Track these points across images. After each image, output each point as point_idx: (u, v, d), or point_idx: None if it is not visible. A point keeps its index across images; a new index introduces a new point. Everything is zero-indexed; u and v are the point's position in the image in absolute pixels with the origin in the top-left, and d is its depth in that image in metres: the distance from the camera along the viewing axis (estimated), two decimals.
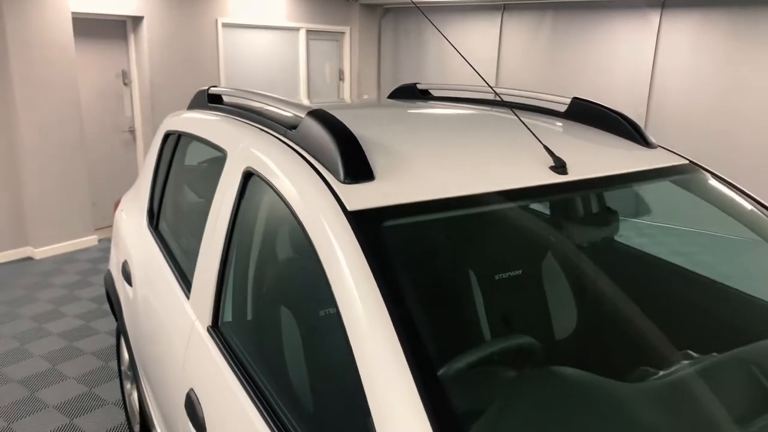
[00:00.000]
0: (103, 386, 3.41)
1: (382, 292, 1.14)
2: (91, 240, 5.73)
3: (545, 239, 1.81)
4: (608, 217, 1.97)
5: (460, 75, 7.88)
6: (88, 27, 5.73)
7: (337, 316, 1.16)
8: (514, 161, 1.60)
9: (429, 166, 1.51)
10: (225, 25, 6.73)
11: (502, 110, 2.21)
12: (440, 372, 1.32)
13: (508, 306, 1.70)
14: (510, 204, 1.46)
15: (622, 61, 6.75)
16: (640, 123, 6.73)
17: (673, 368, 1.38)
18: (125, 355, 2.82)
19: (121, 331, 2.83)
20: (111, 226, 5.83)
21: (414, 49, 8.28)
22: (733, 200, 1.84)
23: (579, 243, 1.79)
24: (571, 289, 1.87)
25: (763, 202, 1.86)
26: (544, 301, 1.86)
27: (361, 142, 1.48)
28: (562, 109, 2.19)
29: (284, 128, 1.66)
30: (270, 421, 1.29)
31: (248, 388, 1.41)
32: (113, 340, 3.93)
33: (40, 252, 5.40)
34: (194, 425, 1.58)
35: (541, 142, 1.64)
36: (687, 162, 1.92)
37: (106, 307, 4.43)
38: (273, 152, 1.58)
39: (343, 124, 1.48)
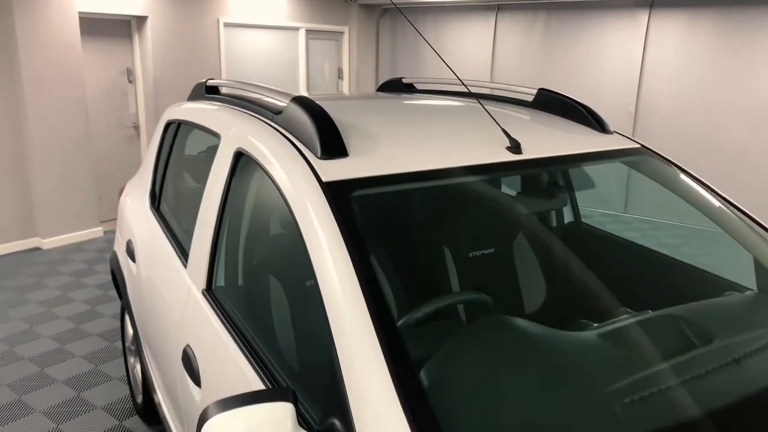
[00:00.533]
0: (108, 364, 3.61)
1: (349, 251, 1.33)
2: (97, 231, 5.95)
3: (500, 208, 2.00)
4: (557, 191, 2.16)
5: (448, 70, 8.06)
6: (94, 26, 5.94)
7: (311, 270, 1.36)
8: (475, 142, 1.79)
9: (397, 145, 1.70)
10: (226, 24, 6.94)
11: (475, 101, 2.41)
12: (400, 322, 1.51)
13: (464, 262, 1.89)
14: (466, 178, 1.65)
15: (612, 59, 6.93)
16: (630, 120, 6.92)
17: (609, 321, 1.58)
18: (129, 331, 3.02)
19: (125, 309, 3.04)
20: (116, 219, 6.04)
21: (411, 48, 8.48)
22: (680, 180, 2.04)
23: (529, 212, 1.98)
24: (515, 244, 2.06)
25: (705, 182, 2.05)
26: (494, 256, 2.06)
27: (339, 126, 1.68)
28: (530, 99, 2.39)
29: (271, 113, 1.86)
30: (257, 369, 1.49)
31: (237, 341, 1.60)
32: (118, 323, 4.13)
33: (48, 242, 5.62)
34: (190, 376, 1.78)
35: (500, 126, 1.84)
36: (639, 146, 2.11)
37: (111, 293, 4.64)
38: (260, 134, 1.78)
39: (322, 108, 1.68)
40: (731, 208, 1.96)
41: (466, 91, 2.72)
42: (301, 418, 1.23)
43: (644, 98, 6.85)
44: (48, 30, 5.29)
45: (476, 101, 2.37)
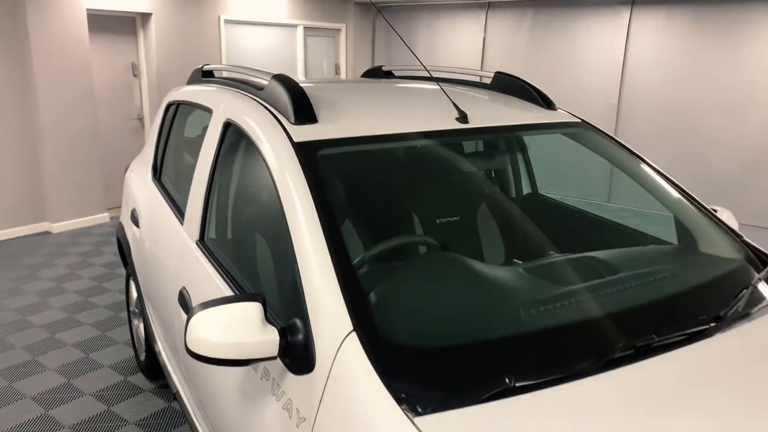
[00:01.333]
0: (114, 330, 3.93)
1: (312, 195, 1.64)
2: (103, 217, 6.27)
3: (447, 167, 2.30)
4: (498, 154, 2.46)
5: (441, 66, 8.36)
6: (101, 23, 6.27)
7: (282, 215, 1.66)
8: (429, 114, 2.10)
9: (361, 116, 2.01)
10: (227, 21, 7.26)
11: (444, 84, 2.71)
12: (356, 260, 1.81)
13: (409, 206, 2.18)
14: (416, 141, 1.96)
15: (596, 54, 7.22)
16: (613, 112, 7.22)
17: (535, 260, 1.88)
18: (134, 295, 3.33)
19: (130, 275, 3.35)
20: (121, 206, 6.36)
21: (406, 48, 8.77)
22: (614, 150, 2.33)
23: (476, 169, 2.28)
24: (450, 187, 2.34)
25: (636, 152, 2.35)
26: (438, 203, 2.35)
27: (313, 100, 1.99)
28: (489, 82, 2.69)
29: (256, 90, 2.17)
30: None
31: (225, 279, 1.91)
32: (122, 297, 4.45)
33: (57, 226, 5.94)
34: (185, 312, 2.09)
35: (451, 101, 2.14)
36: (579, 120, 2.41)
37: (117, 271, 4.96)
38: (246, 107, 2.09)
39: (297, 84, 1.98)
40: (657, 174, 2.26)
41: (437, 77, 3.02)
42: (270, 323, 1.53)
43: (626, 91, 7.14)
44: (57, 26, 5.62)
45: (449, 84, 2.67)
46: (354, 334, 1.33)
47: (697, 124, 6.75)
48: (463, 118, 2.08)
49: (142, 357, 3.31)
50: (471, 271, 1.67)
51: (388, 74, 3.30)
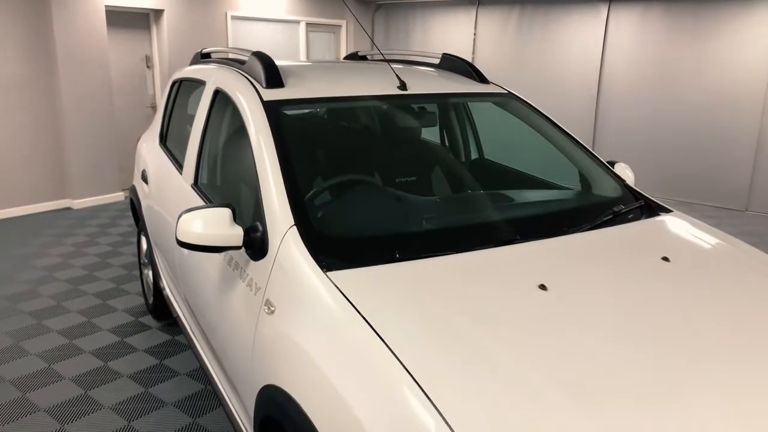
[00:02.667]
0: (127, 284, 4.51)
1: (275, 140, 2.17)
2: (119, 196, 6.87)
3: (385, 121, 2.83)
4: (429, 115, 2.98)
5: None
6: (119, 18, 6.87)
7: (251, 152, 2.20)
8: (377, 84, 2.63)
9: (320, 84, 2.55)
10: (234, 17, 7.83)
11: (401, 65, 3.24)
12: (308, 195, 2.35)
13: (351, 149, 2.71)
14: (362, 103, 2.50)
15: (577, 49, 7.71)
16: (593, 102, 7.70)
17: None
18: (144, 247, 3.89)
19: (140, 231, 3.91)
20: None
21: (402, 40, 9.31)
22: (533, 116, 2.85)
23: (408, 122, 2.81)
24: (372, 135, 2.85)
25: (551, 118, 2.87)
26: (377, 149, 2.86)
27: (284, 73, 2.53)
28: (437, 62, 3.21)
29: (239, 64, 2.72)
30: None
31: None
32: (135, 259, 5.02)
33: (78, 203, 6.55)
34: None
35: (396, 74, 2.68)
36: (506, 92, 2.93)
37: (131, 239, 5.54)
38: (231, 77, 2.64)
39: (269, 58, 2.53)
40: (566, 137, 2.77)
41: (400, 59, 3.56)
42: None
43: (605, 83, 7.62)
44: (79, 21, 6.22)
45: (405, 64, 3.21)
46: (294, 227, 1.87)
47: (671, 113, 7.22)
48: (402, 86, 2.62)
49: (151, 300, 3.87)
50: (382, 191, 2.22)
51: (363, 58, 3.83)
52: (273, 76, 2.46)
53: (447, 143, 3.28)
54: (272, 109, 2.30)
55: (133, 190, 3.92)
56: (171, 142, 3.38)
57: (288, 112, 2.35)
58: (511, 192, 2.59)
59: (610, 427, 1.24)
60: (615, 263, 1.91)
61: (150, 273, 3.81)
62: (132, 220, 5.95)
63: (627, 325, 1.58)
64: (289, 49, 8.69)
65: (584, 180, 2.67)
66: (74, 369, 3.33)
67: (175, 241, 2.79)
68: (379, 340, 1.45)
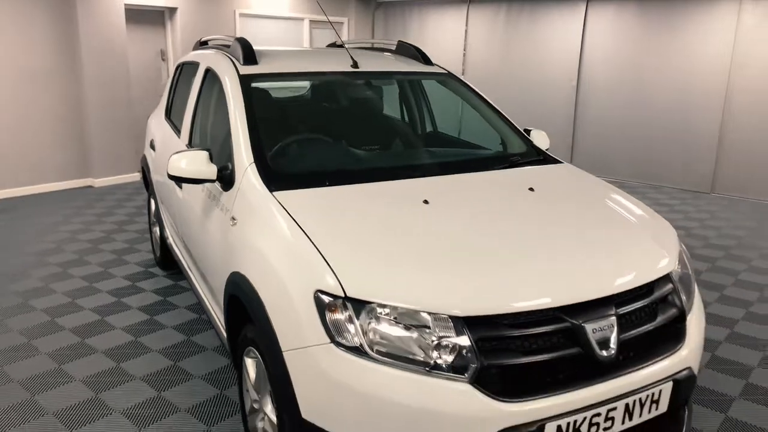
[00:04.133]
0: (140, 245, 5.20)
1: (245, 104, 2.82)
2: (135, 176, 7.59)
3: (338, 91, 3.48)
4: (379, 90, 3.61)
5: (434, 55, 9.51)
6: (136, 15, 7.59)
7: (227, 114, 2.85)
8: (335, 63, 3.27)
9: (288, 62, 3.21)
10: (242, 15, 8.52)
11: (365, 51, 3.86)
12: (264, 142, 2.96)
13: (310, 113, 3.36)
14: (319, 77, 3.15)
15: (558, 42, 8.28)
16: (573, 93, 8.27)
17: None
18: (152, 209, 4.57)
19: (150, 195, 4.59)
20: None
21: (399, 35, 9.94)
22: (467, 92, 3.46)
23: (354, 95, 3.46)
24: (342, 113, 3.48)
25: (481, 94, 3.48)
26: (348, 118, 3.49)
27: (260, 54, 3.18)
28: (393, 48, 3.84)
29: (226, 47, 3.38)
30: None
31: None
32: (147, 227, 5.72)
33: (99, 182, 7.29)
34: (179, 187, 3.31)
35: (350, 56, 3.31)
36: (446, 72, 3.55)
37: (145, 211, 6.24)
38: (218, 57, 3.30)
39: (247, 41, 3.18)
40: (492, 110, 3.38)
41: (367, 47, 4.19)
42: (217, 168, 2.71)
43: (584, 74, 8.18)
44: (101, 17, 6.95)
45: (370, 51, 3.85)
46: (253, 164, 2.52)
47: (643, 104, 7.76)
48: (354, 65, 3.25)
49: (158, 253, 4.56)
50: (318, 140, 2.88)
51: (340, 46, 4.47)
52: (249, 55, 3.11)
53: (405, 116, 3.91)
54: (245, 81, 2.95)
55: (143, 159, 4.60)
56: (173, 115, 4.05)
57: (258, 83, 3.01)
58: (430, 146, 3.24)
59: (450, 270, 1.89)
60: (489, 190, 2.54)
61: (157, 229, 4.49)
62: (146, 195, 6.66)
63: (477, 221, 2.22)
64: (294, 45, 9.36)
65: (501, 141, 3.29)
66: (93, 303, 4.02)
67: (175, 195, 3.46)
68: (299, 228, 2.10)
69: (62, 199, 6.64)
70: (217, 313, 2.84)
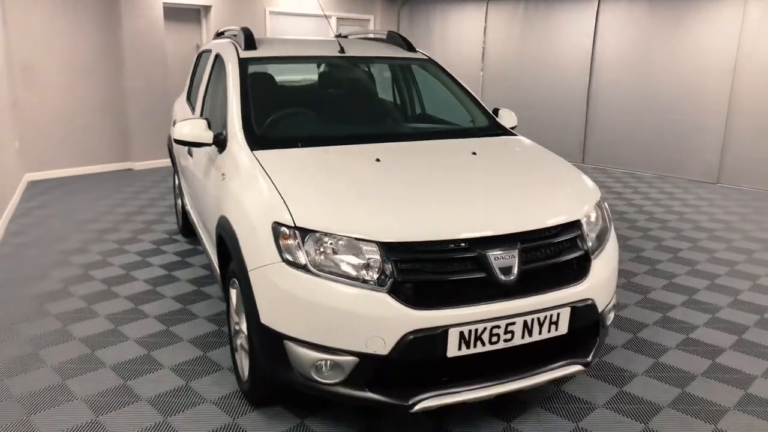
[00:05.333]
0: (168, 217, 5.81)
1: (241, 83, 3.33)
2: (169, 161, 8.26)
3: (324, 75, 3.96)
4: (365, 73, 4.07)
5: (455, 50, 9.93)
6: (174, 13, 8.26)
7: (226, 90, 3.36)
8: (326, 49, 3.76)
9: (284, 48, 3.71)
10: (272, 12, 9.11)
11: (360, 40, 4.33)
12: (252, 114, 3.45)
13: (300, 91, 3.84)
14: (308, 61, 3.64)
15: (572, 38, 8.58)
16: (584, 88, 8.55)
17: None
18: (177, 181, 5.15)
19: (175, 171, 5.17)
20: None
21: (423, 31, 10.38)
22: (444, 76, 3.90)
23: (338, 76, 3.93)
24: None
25: (458, 79, 3.90)
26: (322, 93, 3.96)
27: (260, 42, 3.69)
28: (384, 37, 4.31)
29: (234, 36, 3.91)
30: None
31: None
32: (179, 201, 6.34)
33: (138, 165, 7.98)
34: (190, 154, 3.85)
35: (339, 43, 3.79)
36: (427, 57, 3.99)
37: None
38: (225, 44, 3.83)
39: (249, 30, 3.70)
40: (462, 90, 3.81)
41: (364, 37, 4.67)
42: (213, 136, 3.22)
43: (596, 69, 8.45)
44: (142, 15, 7.63)
45: (357, 39, 4.33)
46: (241, 130, 3.02)
47: (653, 95, 7.99)
48: (341, 51, 3.73)
49: (180, 222, 5.14)
50: (297, 112, 3.37)
51: (345, 37, 4.96)
52: (250, 42, 3.63)
53: (397, 98, 4.36)
54: (243, 63, 3.47)
55: (169, 138, 5.19)
56: (192, 97, 4.62)
57: (254, 65, 3.52)
58: (400, 120, 3.71)
59: (381, 208, 2.36)
60: (436, 152, 2.99)
61: (179, 201, 5.07)
62: None
63: (416, 173, 2.70)
64: None
65: (471, 119, 3.72)
66: (122, 260, 4.62)
67: (188, 164, 4.00)
68: (267, 176, 2.59)
69: (105, 180, 7.35)
70: (213, 256, 3.36)
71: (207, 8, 8.47)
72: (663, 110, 7.95)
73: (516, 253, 2.37)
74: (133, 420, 2.67)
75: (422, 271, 2.29)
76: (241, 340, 2.79)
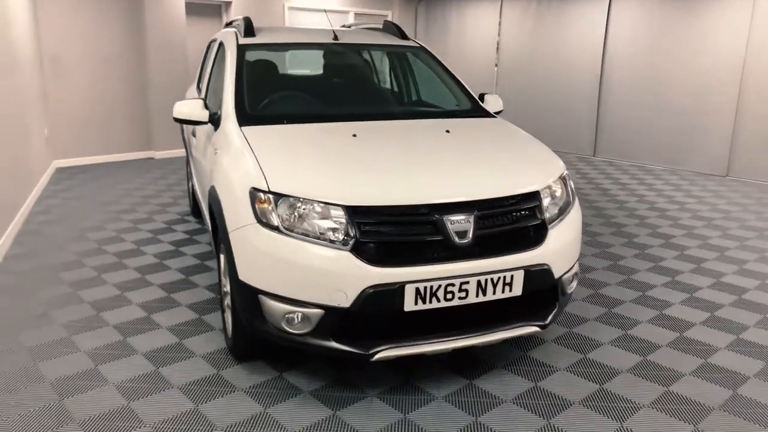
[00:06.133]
0: (182, 200, 6.12)
1: (237, 66, 3.58)
2: None
3: (316, 60, 4.18)
4: (363, 61, 4.28)
5: (470, 45, 10.08)
6: (195, 9, 8.60)
7: (224, 73, 3.62)
8: (321, 38, 3.99)
9: (281, 36, 3.96)
10: (290, 8, 9.40)
11: (357, 30, 4.56)
12: (243, 95, 3.69)
13: (293, 77, 4.08)
14: (303, 47, 3.88)
15: (583, 34, 8.66)
16: (596, 83, 8.63)
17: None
18: (188, 166, 5.44)
19: (187, 155, 5.47)
20: None
21: (440, 27, 10.56)
22: (433, 62, 4.10)
23: (329, 62, 4.15)
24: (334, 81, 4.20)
25: (445, 65, 4.10)
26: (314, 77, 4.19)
27: (259, 30, 3.94)
28: (380, 26, 4.52)
29: (236, 25, 4.17)
30: None
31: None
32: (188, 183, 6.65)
33: (159, 154, 8.34)
34: (194, 135, 4.13)
35: (333, 31, 4.02)
36: (418, 45, 4.20)
37: None
38: (228, 32, 4.09)
39: (249, 19, 3.95)
40: (450, 75, 4.00)
41: (360, 29, 4.89)
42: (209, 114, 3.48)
43: (607, 64, 8.52)
44: (165, 11, 7.98)
45: (351, 30, 4.56)
46: (234, 109, 3.28)
47: (664, 89, 8.03)
48: (335, 38, 3.96)
49: (191, 204, 5.44)
50: (285, 93, 3.60)
51: (349, 26, 5.18)
52: (249, 30, 3.89)
53: (393, 84, 4.57)
54: (241, 48, 3.72)
55: (181, 126, 5.50)
56: (201, 83, 4.90)
57: (251, 51, 3.77)
58: (386, 102, 3.92)
59: (349, 176, 2.58)
60: (411, 130, 3.20)
61: (191, 184, 5.36)
62: None
63: (388, 147, 2.91)
64: None
65: (455, 101, 3.91)
66: (134, 237, 4.93)
67: (193, 145, 4.28)
68: (250, 148, 2.83)
69: (127, 167, 7.72)
70: (209, 227, 3.62)
71: (228, 4, 8.79)
72: (673, 104, 7.99)
73: (472, 219, 2.56)
74: (128, 369, 2.94)
75: (383, 233, 2.50)
76: (227, 300, 3.04)
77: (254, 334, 2.76)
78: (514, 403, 2.72)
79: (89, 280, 4.04)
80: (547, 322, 2.78)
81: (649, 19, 8.05)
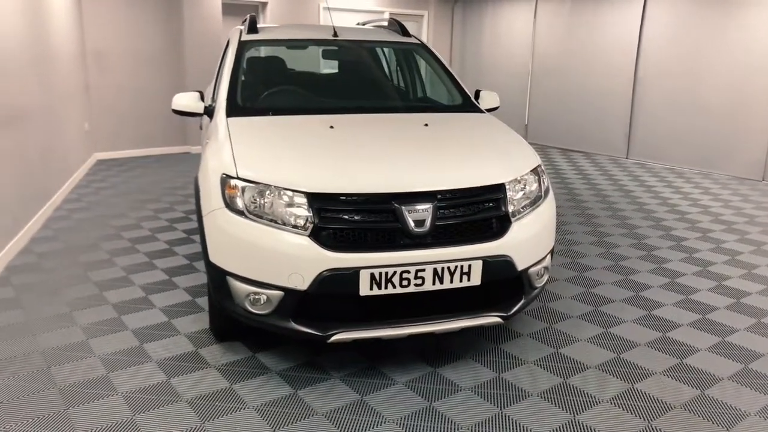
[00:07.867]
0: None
1: (235, 60, 3.75)
2: None
3: (313, 57, 4.29)
4: (372, 55, 4.36)
5: (506, 44, 10.03)
6: (232, 9, 8.90)
7: (223, 71, 3.80)
8: (321, 33, 4.12)
9: (282, 32, 4.11)
10: (324, 8, 9.58)
11: (361, 27, 4.67)
12: (236, 89, 3.85)
13: (291, 72, 4.20)
14: (302, 43, 4.02)
15: (618, 32, 8.50)
16: (630, 83, 8.45)
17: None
18: None
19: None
20: None
21: (476, 28, 10.55)
22: (433, 61, 4.16)
23: (326, 58, 4.25)
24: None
25: (442, 60, 4.15)
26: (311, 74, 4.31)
27: (263, 29, 4.11)
28: (385, 24, 4.61)
29: (244, 23, 4.35)
30: None
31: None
32: None
33: (195, 149, 8.68)
34: (202, 128, 4.32)
35: (333, 27, 4.14)
36: (419, 42, 4.27)
37: None
38: (235, 30, 4.27)
39: (255, 17, 4.12)
40: (446, 72, 4.05)
41: (368, 27, 4.99)
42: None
43: (642, 64, 8.33)
44: (202, 11, 8.31)
45: (353, 27, 4.67)
46: (225, 100, 3.44)
47: (699, 89, 7.80)
48: (334, 35, 4.08)
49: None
50: (277, 88, 3.72)
51: (363, 24, 5.29)
52: (252, 27, 4.06)
53: (399, 80, 4.65)
54: (242, 45, 3.89)
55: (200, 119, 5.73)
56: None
57: (252, 46, 3.93)
58: (376, 97, 4.01)
59: (315, 165, 2.68)
60: (390, 123, 3.28)
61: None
62: None
63: (361, 139, 3.01)
64: None
65: (449, 96, 3.96)
66: (152, 225, 5.19)
67: (203, 139, 4.48)
68: (228, 137, 2.98)
69: (163, 161, 8.08)
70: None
71: (264, 4, 9.06)
72: (709, 105, 7.74)
73: (431, 208, 2.63)
74: (115, 343, 3.14)
75: (342, 219, 2.60)
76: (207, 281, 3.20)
77: (224, 313, 2.91)
78: (472, 391, 2.76)
79: (101, 261, 4.30)
80: (509, 313, 2.81)
81: (685, 17, 7.82)
